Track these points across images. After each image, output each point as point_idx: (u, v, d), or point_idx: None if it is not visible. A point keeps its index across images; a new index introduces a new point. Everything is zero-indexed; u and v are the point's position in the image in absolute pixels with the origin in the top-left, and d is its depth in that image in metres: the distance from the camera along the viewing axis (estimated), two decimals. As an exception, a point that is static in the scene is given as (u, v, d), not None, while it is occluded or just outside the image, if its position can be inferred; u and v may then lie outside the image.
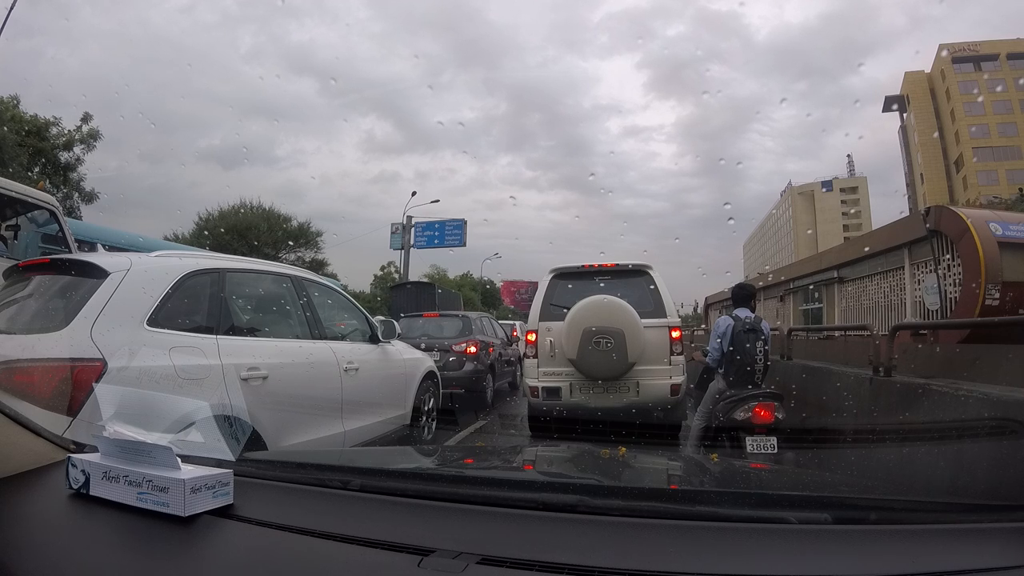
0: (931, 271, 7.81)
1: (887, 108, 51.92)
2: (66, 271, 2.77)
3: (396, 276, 30.01)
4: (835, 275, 10.62)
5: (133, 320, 2.55)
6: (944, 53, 48.76)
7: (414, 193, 47.50)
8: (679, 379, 5.18)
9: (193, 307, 2.91)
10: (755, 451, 3.61)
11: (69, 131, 16.71)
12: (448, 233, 29.36)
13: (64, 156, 16.73)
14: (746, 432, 3.70)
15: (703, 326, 15.53)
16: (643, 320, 5.00)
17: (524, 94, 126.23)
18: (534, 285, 8.14)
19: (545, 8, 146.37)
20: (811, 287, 11.89)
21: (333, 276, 23.49)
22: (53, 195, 7.62)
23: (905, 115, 51.12)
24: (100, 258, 2.89)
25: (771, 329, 4.74)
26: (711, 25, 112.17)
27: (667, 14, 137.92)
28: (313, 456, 2.31)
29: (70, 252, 5.83)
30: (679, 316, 5.88)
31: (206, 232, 24.55)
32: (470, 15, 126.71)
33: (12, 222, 6.12)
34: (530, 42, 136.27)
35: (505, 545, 0.95)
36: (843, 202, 68.12)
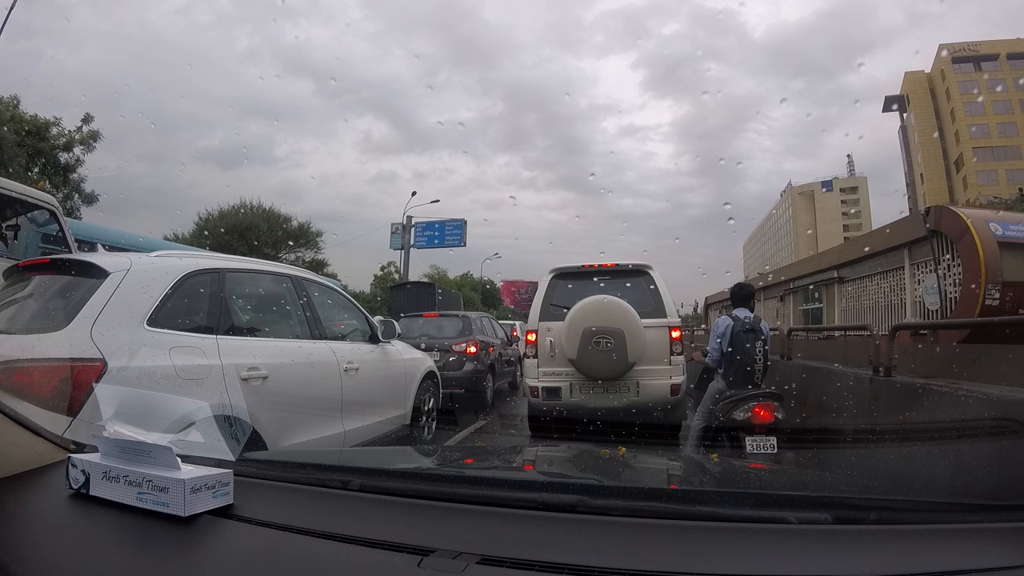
0: (931, 271, 7.80)
1: (887, 108, 51.98)
2: (66, 271, 2.77)
3: (396, 276, 30.00)
4: (835, 275, 10.61)
5: (133, 320, 2.55)
6: (944, 53, 48.79)
7: (414, 193, 47.50)
8: (679, 379, 5.18)
9: (193, 307, 2.91)
10: (755, 451, 3.61)
11: (69, 131, 16.73)
12: (448, 233, 29.35)
13: (64, 156, 16.74)
14: (746, 432, 3.70)
15: (703, 326, 15.53)
16: (643, 320, 5.00)
17: (520, 94, 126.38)
18: (534, 285, 8.14)
19: (540, 7, 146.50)
20: (811, 287, 11.88)
21: (333, 276, 23.50)
22: (53, 195, 7.62)
23: (905, 115, 51.13)
24: (100, 258, 2.89)
25: (771, 329, 4.74)
26: (707, 23, 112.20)
27: (662, 12, 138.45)
28: (313, 456, 2.31)
29: (70, 252, 5.83)
30: (679, 316, 5.88)
31: (206, 232, 24.56)
32: (464, 14, 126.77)
33: (12, 222, 6.12)
34: (525, 41, 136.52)
35: (505, 545, 0.95)
36: (843, 202, 68.14)
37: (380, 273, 34.72)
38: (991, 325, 4.60)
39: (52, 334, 2.36)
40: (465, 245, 30.12)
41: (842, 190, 69.56)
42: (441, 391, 5.53)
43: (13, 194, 5.85)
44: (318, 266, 26.21)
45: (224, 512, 1.05)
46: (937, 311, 7.56)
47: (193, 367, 2.63)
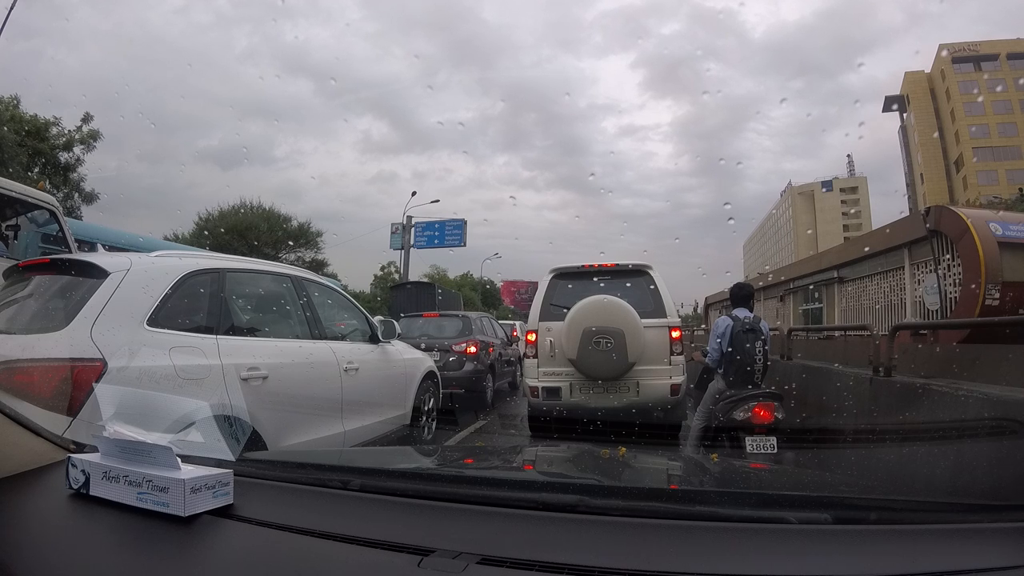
0: (931, 271, 7.81)
1: (887, 108, 51.91)
2: (66, 271, 2.77)
3: (396, 276, 30.00)
4: (835, 275, 10.62)
5: (133, 320, 2.55)
6: (944, 53, 48.81)
7: (414, 193, 47.40)
8: (679, 379, 5.18)
9: (193, 307, 2.91)
10: (755, 451, 3.61)
11: (69, 131, 16.72)
12: (448, 233, 29.34)
13: (64, 156, 16.73)
14: (746, 432, 3.70)
15: (703, 326, 15.52)
16: (643, 320, 5.00)
17: (519, 94, 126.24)
18: (534, 285, 8.14)
19: (539, 7, 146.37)
20: (811, 287, 11.88)
21: (333, 276, 23.50)
22: (53, 195, 7.61)
23: (905, 115, 51.12)
24: (100, 258, 2.89)
25: (771, 329, 4.74)
26: (707, 23, 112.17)
27: (662, 12, 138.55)
28: (313, 456, 2.31)
29: (70, 252, 5.83)
30: (679, 316, 5.88)
31: (206, 232, 24.56)
32: (463, 14, 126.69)
33: (12, 222, 6.12)
34: (525, 41, 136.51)
35: (505, 545, 0.95)
36: (843, 202, 68.15)
37: (380, 273, 34.74)
38: (991, 325, 4.60)
39: (52, 334, 2.36)
40: (465, 245, 30.14)
41: (842, 190, 69.56)
42: (441, 391, 5.53)
43: (13, 194, 5.85)
44: (318, 266, 26.21)
45: (224, 512, 1.05)
46: (937, 311, 7.56)
47: (193, 367, 2.63)
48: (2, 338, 2.38)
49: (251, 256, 4.40)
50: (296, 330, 3.59)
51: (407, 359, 4.82)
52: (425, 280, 26.80)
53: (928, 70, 50.91)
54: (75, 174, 16.97)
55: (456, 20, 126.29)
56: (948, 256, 7.53)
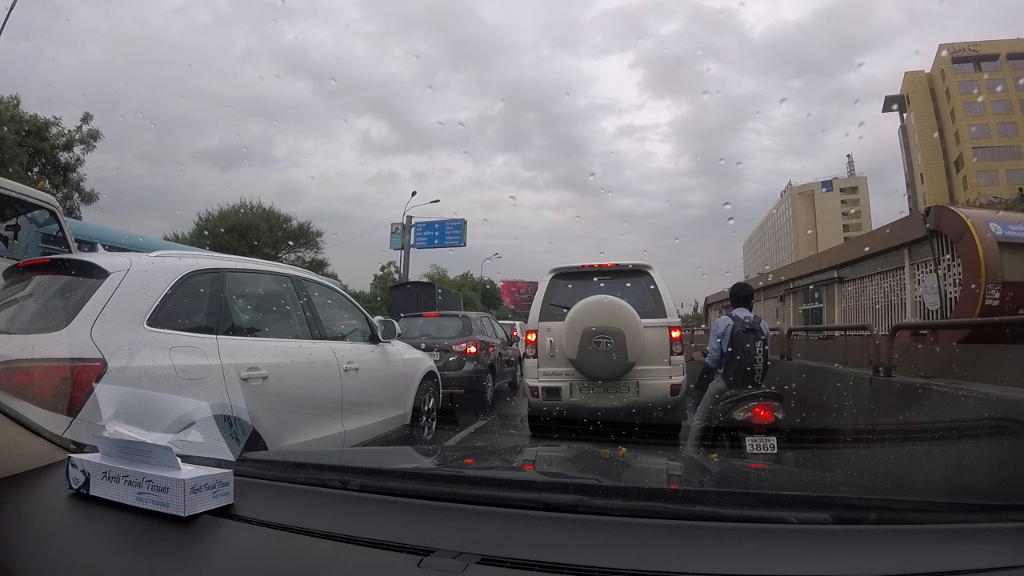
0: (931, 271, 7.80)
1: (887, 108, 51.92)
2: (66, 271, 2.77)
3: (396, 276, 30.01)
4: (835, 275, 10.61)
5: (133, 320, 2.55)
6: (944, 53, 48.84)
7: (414, 193, 47.45)
8: (679, 379, 5.18)
9: (193, 307, 2.91)
10: (755, 451, 3.61)
11: (69, 131, 16.72)
12: (448, 233, 29.35)
13: (64, 156, 16.73)
14: (746, 432, 3.70)
15: (703, 326, 15.52)
16: (643, 320, 5.00)
17: (519, 94, 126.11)
18: (534, 285, 8.14)
19: (538, 7, 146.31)
20: (811, 287, 11.88)
21: (333, 276, 23.50)
22: (53, 195, 7.61)
23: (905, 115, 51.13)
24: (100, 258, 2.89)
25: (771, 329, 4.74)
26: (706, 23, 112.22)
27: (661, 12, 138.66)
28: (313, 456, 2.31)
29: (70, 252, 5.83)
30: (679, 316, 5.89)
31: (206, 232, 24.56)
32: (462, 14, 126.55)
33: (12, 222, 6.12)
34: (524, 41, 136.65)
35: (505, 545, 0.95)
36: (843, 202, 68.18)
37: (380, 273, 34.76)
38: (991, 325, 4.60)
39: (52, 334, 2.36)
40: (465, 245, 30.14)
41: (842, 190, 69.57)
42: (441, 391, 5.53)
43: (13, 194, 5.85)
44: (318, 266, 26.20)
45: (224, 512, 1.05)
46: (937, 311, 7.55)
47: (193, 367, 2.63)
48: (2, 338, 2.38)
49: (251, 256, 4.40)
50: (296, 330, 3.59)
51: (407, 359, 4.83)
52: (425, 280, 26.80)
53: (928, 70, 50.95)
54: (75, 174, 16.98)
55: (455, 20, 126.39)
56: (948, 256, 7.52)
